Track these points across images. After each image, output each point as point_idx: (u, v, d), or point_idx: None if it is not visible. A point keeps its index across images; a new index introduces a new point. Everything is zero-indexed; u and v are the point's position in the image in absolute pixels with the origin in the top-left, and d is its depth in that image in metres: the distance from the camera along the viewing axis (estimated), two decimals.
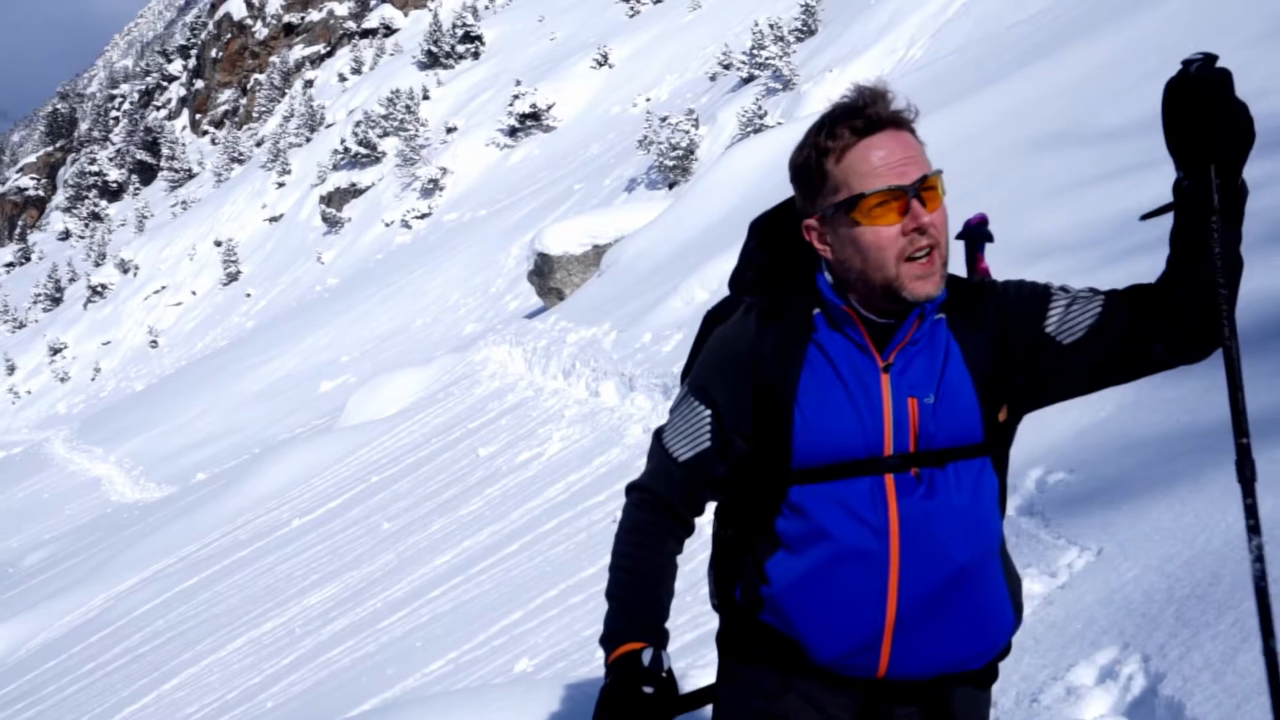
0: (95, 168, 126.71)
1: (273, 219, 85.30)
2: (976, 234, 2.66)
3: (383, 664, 8.47)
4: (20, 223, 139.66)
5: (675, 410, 2.63)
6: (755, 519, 2.53)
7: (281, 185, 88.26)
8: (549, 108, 64.38)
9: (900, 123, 2.34)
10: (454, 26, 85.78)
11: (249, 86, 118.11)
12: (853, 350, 2.43)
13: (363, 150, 77.66)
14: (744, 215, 6.66)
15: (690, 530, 2.65)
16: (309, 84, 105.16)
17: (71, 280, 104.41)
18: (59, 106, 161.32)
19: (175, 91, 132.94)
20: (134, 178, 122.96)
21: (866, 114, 2.31)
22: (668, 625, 2.58)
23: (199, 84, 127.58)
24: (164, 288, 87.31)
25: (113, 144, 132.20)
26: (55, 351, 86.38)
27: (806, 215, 2.44)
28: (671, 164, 37.86)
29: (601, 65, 65.28)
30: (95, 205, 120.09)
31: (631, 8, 73.02)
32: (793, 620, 2.46)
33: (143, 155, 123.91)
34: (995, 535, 2.47)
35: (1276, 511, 3.95)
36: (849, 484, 2.39)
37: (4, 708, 13.12)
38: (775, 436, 2.44)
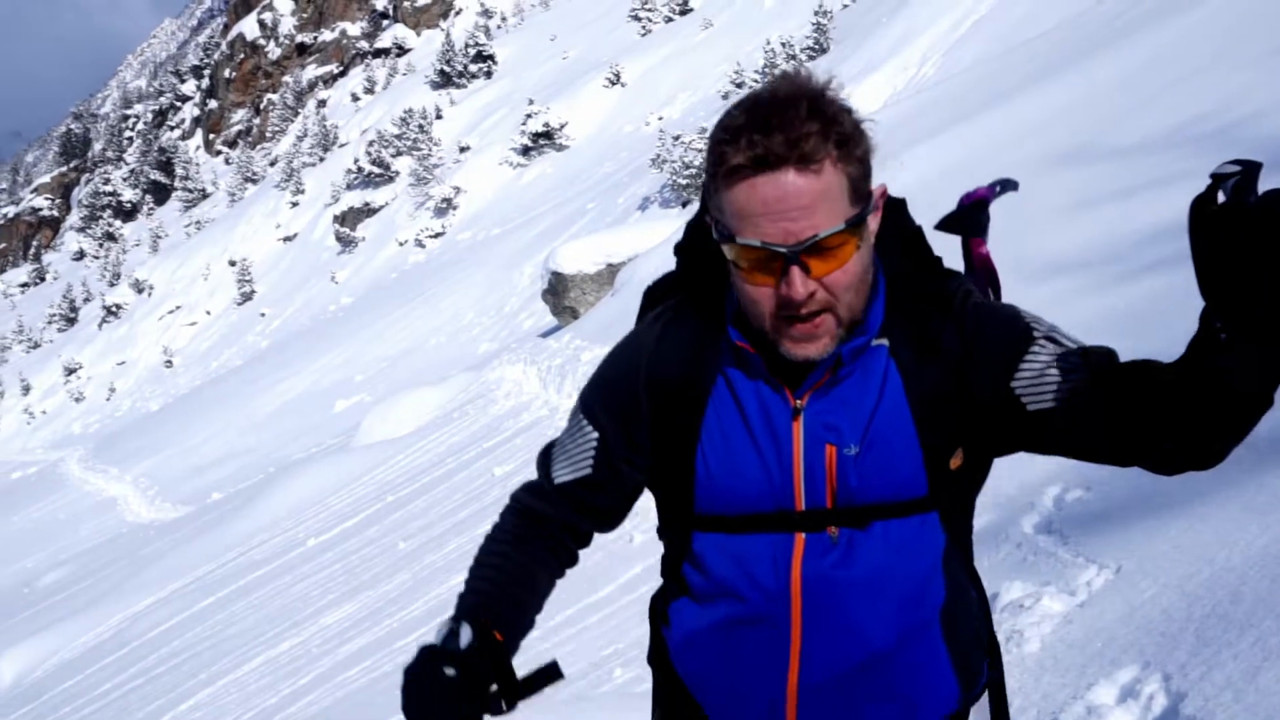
0: (109, 188, 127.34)
1: (287, 238, 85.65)
2: (965, 223, 2.37)
3: (399, 684, 8.44)
4: (35, 243, 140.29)
5: (568, 424, 2.28)
6: (668, 555, 2.23)
7: (295, 205, 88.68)
8: (562, 127, 64.59)
9: (806, 161, 1.82)
10: (466, 46, 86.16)
11: (262, 106, 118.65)
12: (762, 386, 2.05)
13: (376, 169, 78.00)
14: None
15: (571, 557, 2.30)
16: (322, 104, 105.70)
17: (86, 300, 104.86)
18: (73, 127, 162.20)
19: (189, 111, 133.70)
20: (148, 197, 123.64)
21: (763, 146, 1.82)
22: (532, 620, 2.23)
23: (212, 104, 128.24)
24: (179, 307, 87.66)
25: (127, 164, 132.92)
26: (70, 371, 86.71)
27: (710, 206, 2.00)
28: (684, 182, 37.94)
29: (614, 84, 65.48)
30: (110, 225, 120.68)
31: (643, 26, 73.23)
32: (690, 675, 2.19)
33: (157, 175, 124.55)
34: (933, 601, 2.07)
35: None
36: (751, 540, 2.05)
37: None
38: (675, 478, 2.12)
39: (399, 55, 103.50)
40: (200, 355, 77.17)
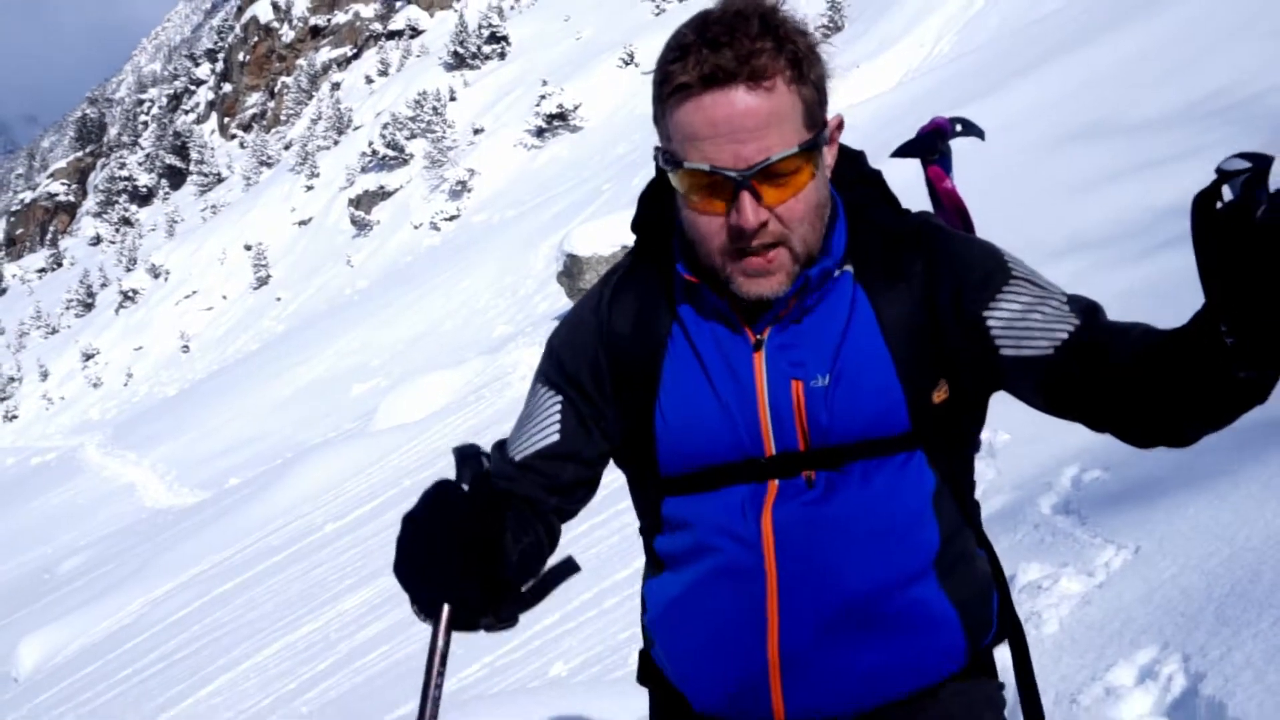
0: (125, 172, 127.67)
1: (302, 222, 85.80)
2: (922, 148, 2.22)
3: (418, 669, 8.42)
4: (51, 228, 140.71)
5: (525, 403, 2.11)
6: (644, 534, 2.10)
7: (310, 188, 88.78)
8: (576, 108, 64.53)
9: (757, 78, 1.72)
10: (480, 27, 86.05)
11: (276, 89, 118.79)
12: (718, 326, 1.91)
13: (390, 152, 78.04)
14: None
15: (538, 541, 1.99)
16: (336, 86, 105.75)
17: (103, 286, 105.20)
18: (88, 112, 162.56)
19: (203, 95, 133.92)
20: (163, 182, 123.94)
21: (712, 63, 1.71)
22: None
23: (226, 87, 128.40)
24: (195, 292, 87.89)
25: (142, 149, 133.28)
26: (88, 357, 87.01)
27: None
28: None
29: (628, 64, 65.35)
30: (125, 210, 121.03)
31: (657, 6, 73.10)
32: (665, 654, 2.03)
33: (172, 159, 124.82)
34: (926, 547, 1.90)
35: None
36: (722, 494, 1.89)
37: (42, 714, 13.18)
38: (637, 442, 1.98)
39: (412, 37, 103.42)
40: (217, 340, 77.37)
